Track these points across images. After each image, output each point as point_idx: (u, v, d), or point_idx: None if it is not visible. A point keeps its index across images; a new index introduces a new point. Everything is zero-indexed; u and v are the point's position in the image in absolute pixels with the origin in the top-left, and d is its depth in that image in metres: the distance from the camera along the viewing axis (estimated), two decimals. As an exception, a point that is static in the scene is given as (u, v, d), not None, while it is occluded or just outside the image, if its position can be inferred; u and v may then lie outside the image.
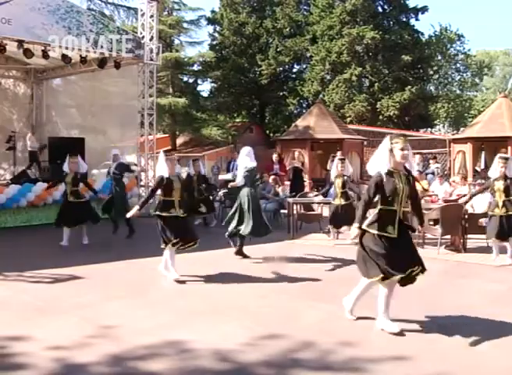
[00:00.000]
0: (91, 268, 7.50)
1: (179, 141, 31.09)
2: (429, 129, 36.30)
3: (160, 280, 6.87)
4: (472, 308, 5.65)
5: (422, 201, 10.40)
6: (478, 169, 17.95)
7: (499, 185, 7.66)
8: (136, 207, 7.04)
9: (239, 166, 8.26)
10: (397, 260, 4.78)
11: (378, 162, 4.91)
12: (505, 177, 7.65)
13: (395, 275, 4.76)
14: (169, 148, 29.88)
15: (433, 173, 14.24)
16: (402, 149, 4.75)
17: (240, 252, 8.20)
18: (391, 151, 4.79)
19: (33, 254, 8.49)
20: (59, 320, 5.23)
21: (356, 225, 4.89)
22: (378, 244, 4.80)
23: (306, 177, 18.32)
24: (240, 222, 8.05)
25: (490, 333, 4.82)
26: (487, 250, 8.48)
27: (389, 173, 4.82)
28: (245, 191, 8.09)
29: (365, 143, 21.13)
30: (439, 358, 4.27)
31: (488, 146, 17.77)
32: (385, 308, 4.87)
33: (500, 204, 7.69)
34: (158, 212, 6.80)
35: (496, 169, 7.74)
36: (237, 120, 34.73)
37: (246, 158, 8.14)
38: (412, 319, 5.19)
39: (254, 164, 8.16)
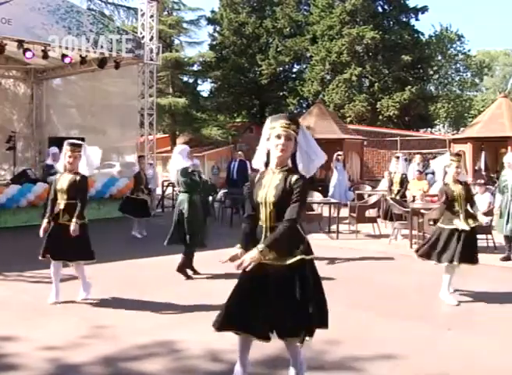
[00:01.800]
0: (91, 268, 7.47)
1: (179, 141, 31.07)
2: (429, 129, 36.29)
3: (160, 279, 6.87)
4: (472, 308, 5.65)
5: (422, 201, 10.46)
6: (477, 168, 17.96)
7: (459, 190, 6.02)
8: (45, 220, 5.76)
9: (171, 169, 7.24)
10: (246, 307, 3.34)
11: (257, 156, 3.48)
12: (459, 181, 6.11)
13: (231, 330, 3.49)
14: (169, 148, 29.93)
15: (433, 173, 14.23)
16: (278, 137, 3.26)
17: (180, 269, 7.02)
18: (268, 139, 3.35)
19: (33, 254, 8.42)
20: (59, 320, 5.23)
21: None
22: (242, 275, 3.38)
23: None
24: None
25: (490, 334, 4.82)
26: (487, 250, 8.48)
27: (263, 172, 3.41)
28: (181, 197, 7.07)
29: (365, 143, 21.12)
30: (437, 358, 4.27)
31: (488, 146, 17.77)
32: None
33: (462, 215, 5.98)
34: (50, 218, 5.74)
35: (449, 171, 6.16)
36: (237, 120, 34.74)
37: (178, 157, 7.06)
38: (412, 318, 5.18)
39: (185, 164, 7.02)
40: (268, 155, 3.35)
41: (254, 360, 4.26)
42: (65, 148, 5.69)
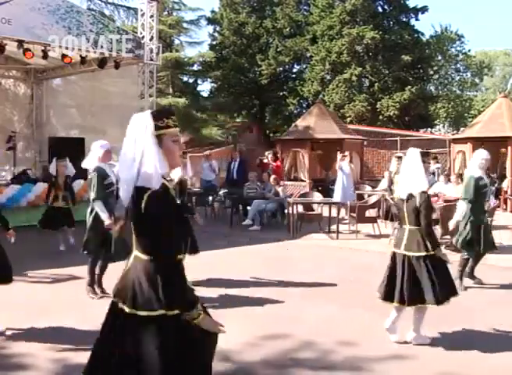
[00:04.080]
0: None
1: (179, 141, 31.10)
2: (429, 129, 36.29)
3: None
4: (472, 308, 5.65)
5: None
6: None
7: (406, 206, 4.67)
8: None
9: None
10: None
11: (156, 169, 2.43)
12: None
13: None
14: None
15: (434, 174, 14.26)
16: (176, 141, 2.59)
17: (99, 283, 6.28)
18: (159, 142, 2.49)
19: (33, 254, 8.48)
20: (59, 320, 5.22)
21: None
22: None
23: (306, 177, 18.34)
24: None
25: (490, 334, 4.82)
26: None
27: (164, 188, 2.46)
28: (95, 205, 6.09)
29: (365, 143, 21.13)
30: (439, 359, 4.27)
31: (488, 146, 17.74)
32: None
33: (406, 235, 4.63)
34: None
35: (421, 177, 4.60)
36: (237, 120, 34.75)
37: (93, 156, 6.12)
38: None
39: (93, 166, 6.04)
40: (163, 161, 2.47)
41: (256, 360, 4.26)
42: None
